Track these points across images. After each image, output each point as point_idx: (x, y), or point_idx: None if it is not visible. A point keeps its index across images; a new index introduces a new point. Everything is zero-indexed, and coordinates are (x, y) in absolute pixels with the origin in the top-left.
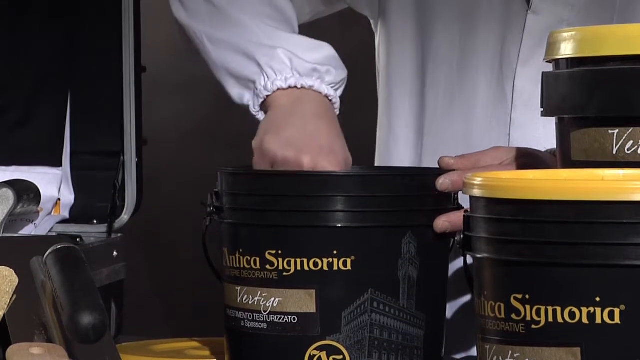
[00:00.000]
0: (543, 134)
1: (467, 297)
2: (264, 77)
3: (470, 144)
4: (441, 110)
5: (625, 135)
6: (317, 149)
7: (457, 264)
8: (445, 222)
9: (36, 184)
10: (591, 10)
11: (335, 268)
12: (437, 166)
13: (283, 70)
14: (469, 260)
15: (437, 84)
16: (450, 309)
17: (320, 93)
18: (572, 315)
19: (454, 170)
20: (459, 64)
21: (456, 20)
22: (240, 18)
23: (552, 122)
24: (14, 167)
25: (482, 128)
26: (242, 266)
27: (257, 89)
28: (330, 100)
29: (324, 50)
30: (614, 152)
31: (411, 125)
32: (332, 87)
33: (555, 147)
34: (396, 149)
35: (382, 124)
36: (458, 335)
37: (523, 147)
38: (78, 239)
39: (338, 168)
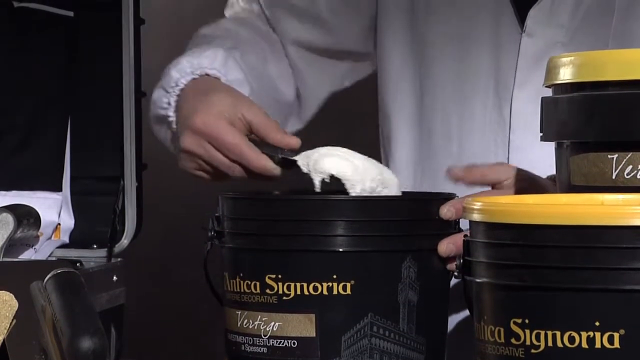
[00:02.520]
0: (540, 156)
1: (468, 321)
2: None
3: (466, 163)
4: (439, 135)
5: (625, 160)
6: (200, 107)
7: (457, 287)
8: (449, 244)
9: (36, 208)
10: (585, 31)
11: (335, 292)
12: (436, 190)
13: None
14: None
15: (435, 110)
16: (451, 332)
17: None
18: (571, 339)
19: (460, 182)
20: (455, 90)
21: (450, 44)
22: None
23: (551, 144)
24: (14, 192)
25: (481, 151)
26: (242, 290)
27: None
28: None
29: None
30: (613, 177)
31: (411, 150)
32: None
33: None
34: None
35: (383, 148)
36: (458, 358)
37: (527, 171)
38: (78, 264)
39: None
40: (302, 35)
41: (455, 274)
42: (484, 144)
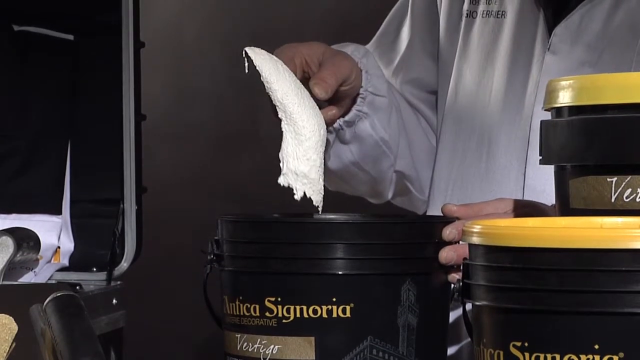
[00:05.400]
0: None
1: (468, 344)
2: None
3: (491, 180)
4: (471, 154)
5: (624, 183)
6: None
7: (457, 310)
8: (450, 251)
9: (36, 231)
10: (612, 52)
11: (335, 315)
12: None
13: None
14: (468, 307)
15: (473, 132)
16: (450, 355)
17: None
18: None
19: (456, 217)
20: (484, 108)
21: (483, 60)
22: None
23: None
24: (14, 215)
25: (502, 166)
26: (242, 313)
27: None
28: None
29: None
30: (612, 200)
31: (446, 172)
32: None
33: None
34: (434, 190)
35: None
36: None
37: (527, 200)
38: (77, 287)
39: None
40: (428, 76)
41: (456, 293)
42: (506, 160)
